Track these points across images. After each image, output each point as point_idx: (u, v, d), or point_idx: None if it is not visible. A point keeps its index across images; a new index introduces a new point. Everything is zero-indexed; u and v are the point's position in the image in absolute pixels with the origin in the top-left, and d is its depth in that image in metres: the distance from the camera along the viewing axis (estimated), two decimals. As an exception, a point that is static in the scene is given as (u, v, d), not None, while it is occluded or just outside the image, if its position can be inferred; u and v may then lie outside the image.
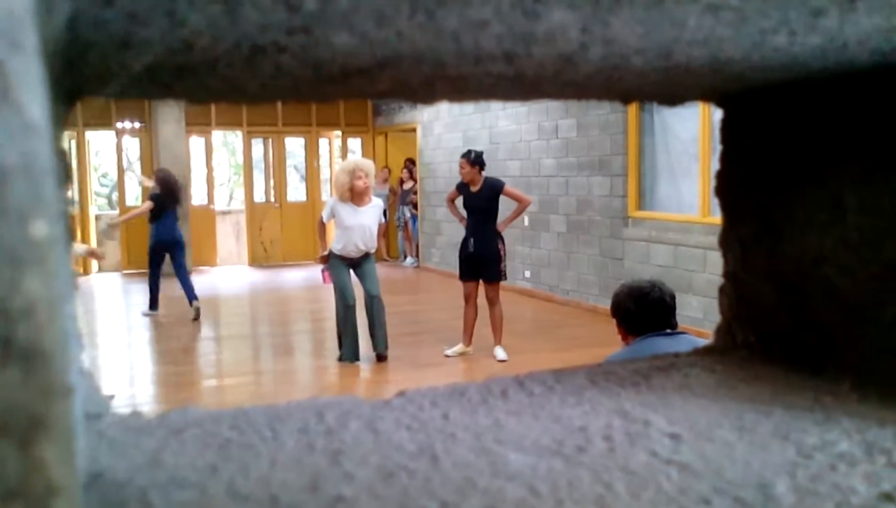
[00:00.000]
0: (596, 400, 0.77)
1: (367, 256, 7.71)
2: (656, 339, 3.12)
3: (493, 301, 7.84)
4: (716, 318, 0.97)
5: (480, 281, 7.88)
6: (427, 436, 0.69)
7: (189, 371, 7.85)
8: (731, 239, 0.94)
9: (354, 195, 7.57)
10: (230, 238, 16.62)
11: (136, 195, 16.77)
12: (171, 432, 0.72)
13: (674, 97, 0.89)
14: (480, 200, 7.84)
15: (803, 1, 0.55)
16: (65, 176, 0.67)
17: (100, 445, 0.68)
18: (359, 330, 7.73)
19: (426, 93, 0.76)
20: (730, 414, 0.72)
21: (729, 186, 0.94)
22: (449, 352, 8.00)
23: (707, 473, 0.60)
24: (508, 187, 8.05)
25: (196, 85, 0.71)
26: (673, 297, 3.31)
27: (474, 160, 7.85)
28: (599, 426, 0.70)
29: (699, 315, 8.05)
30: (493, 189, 7.85)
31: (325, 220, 7.85)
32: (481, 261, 7.80)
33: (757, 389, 0.79)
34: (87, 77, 0.60)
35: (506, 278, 8.06)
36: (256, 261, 16.16)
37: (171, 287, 10.44)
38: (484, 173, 7.90)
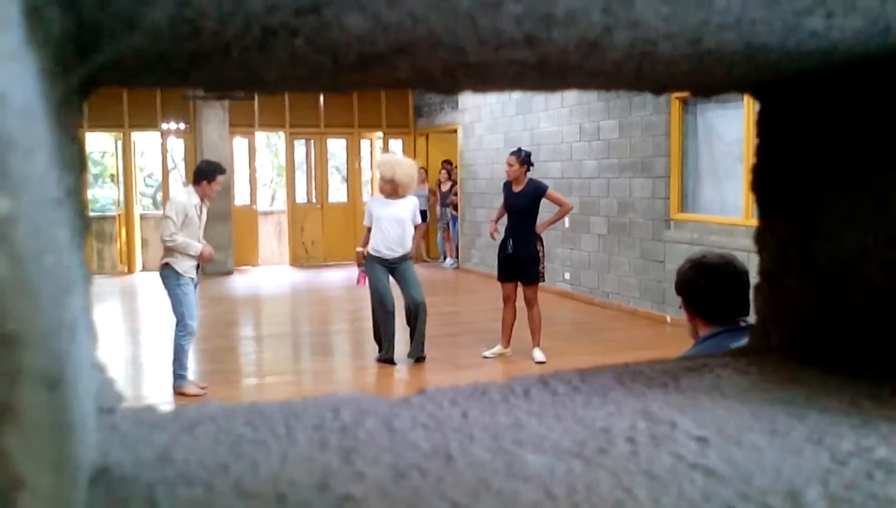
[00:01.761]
0: (621, 401, 0.74)
1: (403, 258, 7.67)
2: (728, 337, 2.61)
3: (531, 303, 7.79)
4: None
5: (519, 283, 7.83)
6: (443, 435, 0.66)
7: (231, 370, 7.92)
8: (768, 236, 0.90)
9: (384, 185, 7.57)
10: (272, 238, 16.76)
11: (180, 195, 16.95)
12: (184, 427, 0.70)
13: (707, 88, 0.86)
14: (522, 200, 7.78)
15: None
16: (80, 164, 0.66)
17: (111, 439, 0.67)
18: (397, 333, 7.71)
19: (448, 82, 0.73)
20: (761, 417, 0.69)
21: (765, 181, 0.91)
22: (487, 354, 7.96)
23: (734, 478, 0.56)
24: (552, 191, 7.99)
25: (212, 73, 0.69)
26: (747, 274, 2.79)
27: (524, 159, 7.79)
28: (623, 428, 0.67)
29: (742, 319, 7.89)
30: (536, 191, 7.79)
31: (366, 224, 7.83)
32: (520, 262, 7.74)
33: (791, 391, 0.76)
34: (97, 62, 0.59)
35: (544, 280, 8.00)
36: (297, 261, 16.27)
37: (214, 287, 10.52)
38: (529, 175, 7.85)
